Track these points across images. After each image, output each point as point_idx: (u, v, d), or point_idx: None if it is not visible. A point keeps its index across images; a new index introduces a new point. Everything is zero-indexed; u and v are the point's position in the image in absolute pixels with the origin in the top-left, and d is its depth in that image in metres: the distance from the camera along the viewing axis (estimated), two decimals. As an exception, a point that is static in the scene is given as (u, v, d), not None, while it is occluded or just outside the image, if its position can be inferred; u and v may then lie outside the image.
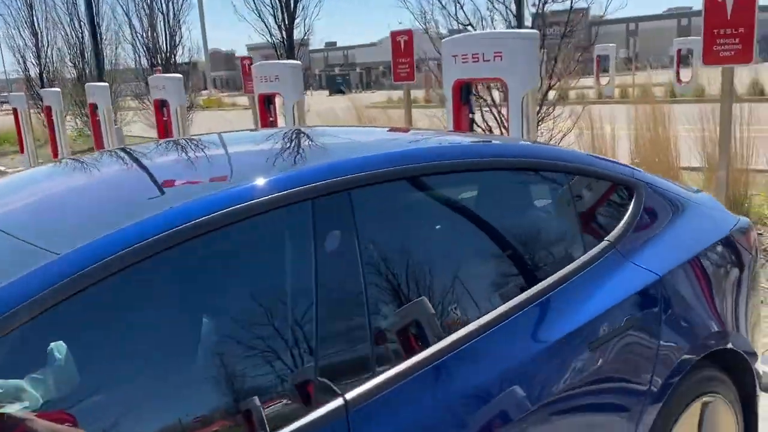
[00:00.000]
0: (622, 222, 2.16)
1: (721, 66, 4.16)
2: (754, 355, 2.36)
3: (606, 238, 2.09)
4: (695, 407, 2.13)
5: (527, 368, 1.70)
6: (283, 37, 10.80)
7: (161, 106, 8.88)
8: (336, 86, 45.68)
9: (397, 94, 29.64)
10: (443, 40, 5.15)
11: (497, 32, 5.72)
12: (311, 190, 1.49)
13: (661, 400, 1.97)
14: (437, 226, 1.88)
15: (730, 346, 2.22)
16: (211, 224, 1.35)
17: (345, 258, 1.50)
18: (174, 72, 11.80)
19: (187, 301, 1.38)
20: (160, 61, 13.74)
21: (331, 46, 72.96)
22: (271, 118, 7.34)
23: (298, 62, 6.85)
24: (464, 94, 5.11)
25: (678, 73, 19.74)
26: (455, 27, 7.62)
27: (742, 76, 17.44)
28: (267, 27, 10.96)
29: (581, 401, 1.80)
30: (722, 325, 2.24)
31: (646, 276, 2.06)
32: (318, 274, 1.46)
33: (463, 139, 2.51)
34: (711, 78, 18.66)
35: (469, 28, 7.56)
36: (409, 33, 6.05)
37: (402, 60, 6.10)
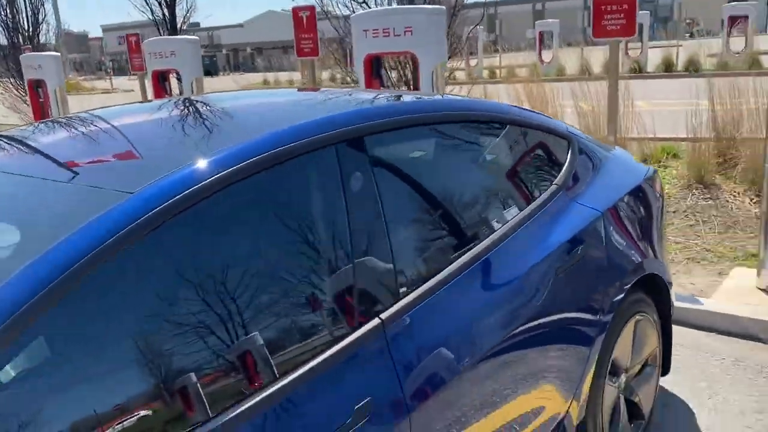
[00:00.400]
0: (564, 169, 2.45)
1: (608, 39, 4.64)
2: (670, 283, 2.77)
3: (554, 183, 2.38)
4: (630, 324, 2.49)
5: (516, 288, 1.96)
6: (164, 14, 10.44)
7: (36, 86, 8.33)
8: (203, 68, 44.17)
9: (272, 76, 29.35)
10: (353, 15, 5.30)
11: (408, 7, 5.94)
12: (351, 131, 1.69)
13: (609, 319, 2.30)
14: (431, 169, 2.08)
15: (654, 272, 2.60)
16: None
17: (367, 194, 1.66)
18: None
19: (266, 226, 1.51)
20: (21, 41, 12.75)
21: (194, 26, 70.24)
22: (167, 96, 7.16)
23: (196, 37, 6.73)
24: (375, 67, 5.31)
25: (540, 54, 21.04)
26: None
27: (591, 57, 18.94)
28: (147, 3, 10.55)
29: (555, 318, 2.09)
30: (646, 255, 2.62)
31: (591, 213, 2.38)
32: (348, 209, 1.61)
33: (418, 95, 2.69)
34: (568, 59, 20.19)
35: (363, 5, 7.75)
36: (311, 8, 6.13)
37: (305, 36, 6.17)
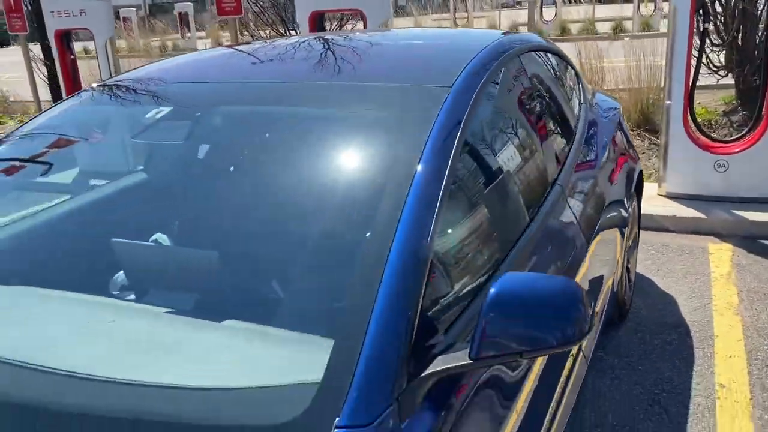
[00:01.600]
0: (583, 91, 3.22)
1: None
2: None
3: (583, 101, 3.14)
4: (633, 207, 3.34)
5: (599, 170, 2.73)
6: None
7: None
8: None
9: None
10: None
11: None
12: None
13: (631, 202, 3.12)
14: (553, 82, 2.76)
15: (641, 169, 3.48)
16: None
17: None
18: None
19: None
20: None
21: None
22: (72, 56, 6.91)
23: (108, -6, 6.58)
24: (318, 24, 5.72)
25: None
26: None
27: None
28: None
29: (617, 201, 2.87)
30: (636, 159, 3.48)
31: (611, 123, 3.18)
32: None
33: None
34: (405, 25, 21.35)
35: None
36: (236, -33, 6.28)
37: (226, -6, 6.32)
